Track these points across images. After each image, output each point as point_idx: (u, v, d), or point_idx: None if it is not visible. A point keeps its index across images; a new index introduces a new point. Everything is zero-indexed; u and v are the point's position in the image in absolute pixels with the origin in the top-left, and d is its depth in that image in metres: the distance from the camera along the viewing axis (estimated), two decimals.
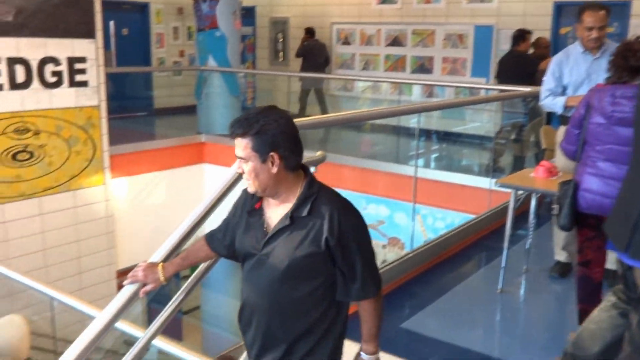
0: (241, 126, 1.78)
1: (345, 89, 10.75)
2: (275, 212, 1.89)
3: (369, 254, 1.88)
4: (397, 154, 7.90)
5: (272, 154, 1.77)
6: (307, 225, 1.82)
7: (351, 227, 1.82)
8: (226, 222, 2.09)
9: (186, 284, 2.45)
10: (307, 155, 2.84)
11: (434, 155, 7.95)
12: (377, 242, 6.94)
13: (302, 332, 1.89)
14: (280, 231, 1.85)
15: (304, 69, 10.00)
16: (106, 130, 6.78)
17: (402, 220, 6.84)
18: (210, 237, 2.14)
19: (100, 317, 2.18)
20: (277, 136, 1.77)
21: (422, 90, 9.56)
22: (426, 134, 7.80)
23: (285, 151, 1.79)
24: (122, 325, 2.85)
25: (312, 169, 2.67)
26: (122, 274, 7.36)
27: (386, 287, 3.85)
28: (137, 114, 10.08)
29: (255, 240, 1.91)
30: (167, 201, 7.72)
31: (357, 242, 1.83)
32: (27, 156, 6.21)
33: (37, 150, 6.27)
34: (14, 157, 6.11)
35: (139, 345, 2.42)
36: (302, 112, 9.41)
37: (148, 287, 2.09)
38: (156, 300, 3.42)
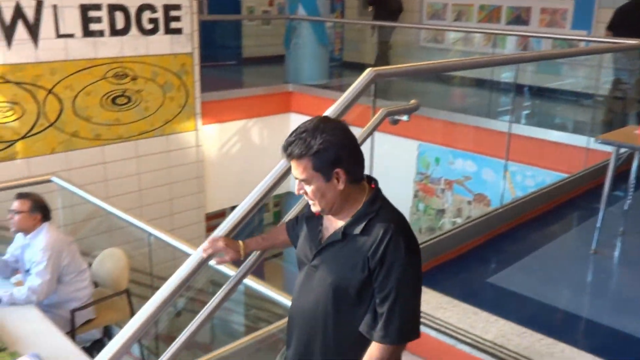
0: (297, 147, 1.63)
1: (435, 41, 10.45)
2: (333, 224, 1.76)
3: (408, 294, 1.63)
4: (488, 108, 7.66)
5: (336, 170, 1.63)
6: (358, 243, 1.66)
7: (397, 255, 1.60)
8: (296, 218, 2.02)
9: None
10: (401, 104, 2.82)
11: (525, 112, 7.65)
12: (462, 198, 6.82)
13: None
14: (330, 245, 1.71)
15: (375, 17, 9.74)
16: (198, 77, 6.96)
17: (489, 176, 6.68)
18: (288, 225, 2.07)
19: (195, 256, 2.29)
20: (338, 151, 1.62)
21: (517, 43, 9.14)
22: (519, 88, 7.50)
23: (349, 165, 1.64)
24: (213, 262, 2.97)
25: (404, 118, 2.65)
26: (211, 217, 7.67)
27: (471, 242, 3.81)
28: (227, 62, 10.25)
29: (309, 249, 1.79)
30: (254, 149, 7.90)
31: (398, 274, 1.60)
32: (125, 100, 6.50)
33: (134, 95, 6.54)
34: (113, 101, 6.41)
35: (232, 283, 2.54)
36: (379, 62, 9.20)
37: (226, 257, 2.07)
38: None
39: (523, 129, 6.41)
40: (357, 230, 1.66)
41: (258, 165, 7.47)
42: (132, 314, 3.94)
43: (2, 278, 3.65)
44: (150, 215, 6.67)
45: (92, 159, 6.33)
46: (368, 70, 2.53)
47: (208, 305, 2.45)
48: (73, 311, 3.61)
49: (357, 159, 1.68)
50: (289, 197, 8.51)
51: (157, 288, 2.21)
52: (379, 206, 1.68)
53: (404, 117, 2.64)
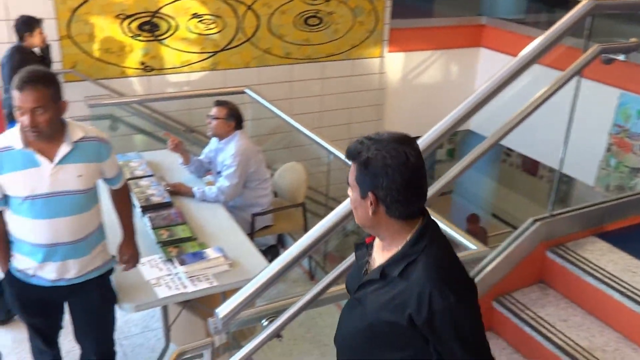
0: (354, 149, 1.50)
1: None
2: (380, 256, 1.61)
3: (473, 336, 1.49)
4: None
5: (370, 193, 1.48)
6: (397, 286, 1.50)
7: (445, 308, 1.43)
8: None
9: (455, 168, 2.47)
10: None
11: None
12: None
13: None
14: (370, 282, 1.59)
15: None
16: (390, 2, 6.85)
17: None
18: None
19: None
20: (380, 176, 1.44)
21: None
22: None
23: (386, 196, 1.46)
24: None
25: (621, 57, 2.38)
26: None
27: None
28: None
29: (356, 278, 1.68)
30: (438, 82, 7.68)
31: (454, 325, 1.45)
32: (317, 22, 6.61)
33: (325, 17, 6.63)
34: (305, 21, 6.56)
35: None
36: None
37: None
38: (430, 175, 3.50)
39: None
40: (396, 272, 1.50)
41: (440, 99, 7.29)
42: (305, 227, 4.17)
43: (196, 176, 4.00)
44: (328, 137, 6.88)
45: (280, 76, 6.61)
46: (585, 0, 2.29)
47: None
48: (254, 215, 3.88)
49: (402, 196, 1.46)
50: (466, 136, 8.24)
51: (330, 208, 2.28)
52: (422, 247, 1.49)
53: (621, 57, 2.37)
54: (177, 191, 3.68)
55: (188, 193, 3.68)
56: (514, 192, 8.99)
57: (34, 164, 2.34)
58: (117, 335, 3.53)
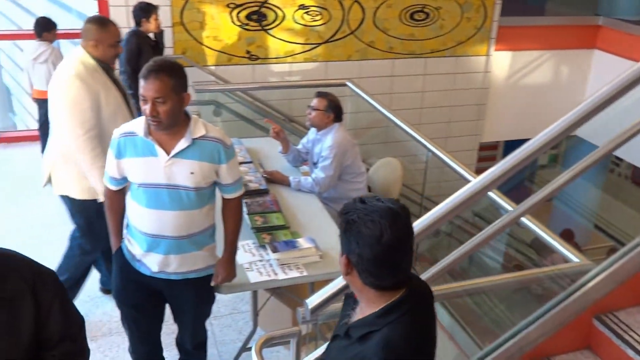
0: (347, 206, 1.50)
1: None
2: (358, 314, 1.59)
3: None
4: None
5: (344, 255, 1.50)
6: (355, 349, 1.51)
7: None
8: None
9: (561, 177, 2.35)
10: None
11: None
12: None
13: None
14: (337, 336, 1.63)
15: None
16: None
17: None
18: None
19: (479, 181, 2.23)
20: (353, 243, 1.45)
21: None
22: None
23: (357, 264, 1.47)
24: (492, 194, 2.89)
25: None
26: (484, 147, 7.49)
27: None
28: None
29: (339, 324, 1.68)
30: (546, 84, 7.35)
31: None
32: (423, 16, 6.50)
33: (432, 12, 6.50)
34: (411, 16, 6.46)
35: (510, 217, 2.45)
36: None
37: None
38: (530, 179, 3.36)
39: None
40: (358, 335, 1.52)
41: (547, 103, 6.98)
42: None
43: (293, 166, 4.05)
44: (426, 135, 6.76)
45: (382, 71, 6.56)
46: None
47: (475, 237, 2.41)
48: None
49: (374, 269, 1.46)
50: (572, 142, 7.83)
51: (425, 207, 2.23)
52: (389, 320, 1.48)
53: None
54: (274, 179, 3.75)
55: (284, 181, 3.73)
56: (622, 204, 8.47)
57: (152, 153, 2.37)
58: None
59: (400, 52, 6.58)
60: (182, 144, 2.36)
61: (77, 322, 1.78)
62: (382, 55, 6.54)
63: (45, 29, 5.40)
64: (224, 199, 2.62)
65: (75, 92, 3.00)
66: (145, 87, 2.26)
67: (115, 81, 3.24)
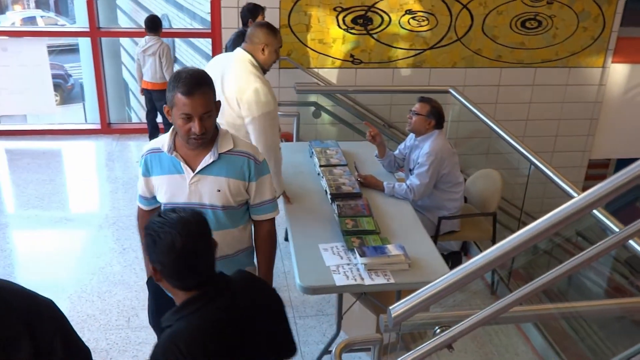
0: (146, 225, 1.71)
1: None
2: None
3: None
4: None
5: (152, 264, 1.70)
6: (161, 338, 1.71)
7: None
8: None
9: None
10: None
11: None
12: None
13: None
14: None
15: None
16: (622, 9, 6.22)
17: None
18: None
19: (584, 197, 2.09)
20: (153, 254, 1.67)
21: None
22: None
23: (162, 271, 1.69)
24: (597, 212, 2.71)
25: None
26: (593, 165, 7.06)
27: None
28: None
29: None
30: None
31: None
32: (535, 24, 6.24)
33: (545, 20, 6.23)
34: (523, 23, 6.22)
35: (616, 238, 2.28)
36: None
37: None
38: None
39: None
40: (165, 324, 1.71)
41: None
42: (494, 238, 3.97)
43: (387, 171, 4.01)
44: (531, 148, 6.48)
45: (487, 79, 6.37)
46: None
47: (576, 257, 2.26)
48: (441, 218, 3.79)
49: (174, 273, 1.67)
50: None
51: (524, 223, 2.12)
52: (177, 317, 1.68)
53: None
54: (368, 183, 3.72)
55: (378, 186, 3.69)
56: None
57: (178, 170, 2.24)
58: (293, 314, 3.70)
59: (508, 61, 6.36)
60: (208, 159, 2.21)
61: (82, 356, 1.64)
62: (489, 63, 6.34)
63: (152, 27, 5.71)
64: (254, 222, 2.41)
65: (265, 93, 3.09)
66: (190, 104, 2.07)
67: None
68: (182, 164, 2.23)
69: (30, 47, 5.73)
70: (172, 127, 2.25)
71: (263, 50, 3.16)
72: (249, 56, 3.18)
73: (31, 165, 5.58)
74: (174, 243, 1.62)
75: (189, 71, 2.13)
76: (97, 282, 3.87)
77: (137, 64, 5.87)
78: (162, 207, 2.28)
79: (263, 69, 3.22)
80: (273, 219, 2.42)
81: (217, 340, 1.66)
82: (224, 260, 2.27)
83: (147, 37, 5.71)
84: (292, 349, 1.90)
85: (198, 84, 2.09)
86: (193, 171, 2.23)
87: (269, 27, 3.25)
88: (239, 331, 1.71)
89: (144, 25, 5.76)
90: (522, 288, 2.16)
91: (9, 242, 4.35)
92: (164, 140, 2.27)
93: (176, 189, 2.25)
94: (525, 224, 2.03)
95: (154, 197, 2.37)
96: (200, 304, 1.67)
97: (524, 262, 4.29)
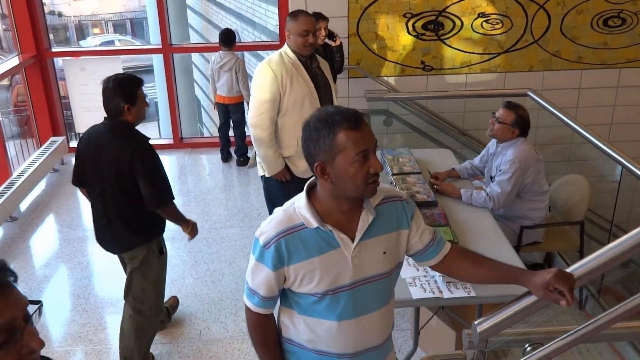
0: None
1: None
2: None
3: None
4: None
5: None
6: None
7: None
8: None
9: None
10: None
11: None
12: None
13: None
14: None
15: None
16: None
17: None
18: None
19: None
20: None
21: None
22: None
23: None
24: None
25: None
26: None
27: None
28: None
29: None
30: None
31: None
32: (619, 22, 5.89)
33: (630, 17, 5.87)
34: (605, 22, 5.88)
35: None
36: None
37: None
38: None
39: None
40: None
41: None
42: (581, 249, 3.70)
43: (464, 179, 3.82)
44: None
45: (567, 82, 6.05)
46: None
47: None
48: (523, 228, 3.56)
49: None
50: None
51: (615, 235, 1.91)
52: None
53: None
54: (444, 191, 3.55)
55: (455, 194, 3.51)
56: None
57: (332, 245, 1.72)
58: None
59: (590, 62, 6.01)
60: (366, 218, 1.74)
61: None
62: (568, 65, 6.02)
63: (227, 40, 5.74)
64: (445, 262, 1.91)
65: (262, 77, 3.37)
66: (362, 135, 1.64)
67: (313, 73, 3.48)
68: (337, 236, 1.72)
69: (107, 66, 5.91)
70: (300, 198, 1.76)
71: (289, 36, 3.38)
72: (284, 46, 3.45)
73: None
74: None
75: (332, 111, 1.66)
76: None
77: (212, 79, 5.93)
78: (317, 299, 1.75)
79: (299, 55, 3.41)
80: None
81: None
82: (387, 344, 1.91)
83: (221, 52, 5.75)
84: None
85: (356, 115, 1.66)
86: (352, 239, 1.73)
87: (291, 13, 3.47)
88: None
89: (217, 40, 5.81)
90: (618, 306, 1.95)
91: (86, 255, 4.44)
92: (297, 215, 1.73)
93: (336, 269, 1.72)
94: (615, 236, 1.84)
95: (280, 294, 1.83)
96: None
97: (616, 278, 3.99)
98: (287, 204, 1.78)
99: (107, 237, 3.08)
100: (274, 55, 3.46)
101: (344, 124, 1.62)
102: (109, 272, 4.23)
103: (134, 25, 26.72)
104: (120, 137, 2.85)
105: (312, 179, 1.79)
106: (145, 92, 2.95)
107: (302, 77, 3.40)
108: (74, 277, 4.16)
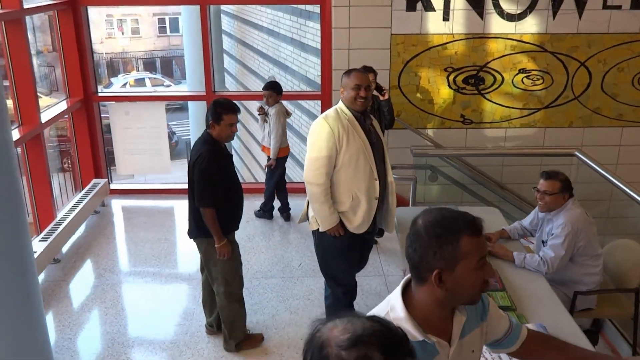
0: None
1: None
2: None
3: None
4: None
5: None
6: None
7: None
8: None
9: None
10: None
11: None
12: None
13: None
14: None
15: None
16: None
17: None
18: None
19: None
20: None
21: None
22: None
23: None
24: None
25: None
26: None
27: None
28: None
29: None
30: None
31: None
32: None
33: None
34: None
35: None
36: None
37: None
38: None
39: None
40: None
41: None
42: (636, 318, 3.62)
43: (514, 239, 3.79)
44: None
45: (607, 139, 6.04)
46: None
47: None
48: (577, 293, 3.51)
49: None
50: None
51: None
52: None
53: None
54: (495, 253, 3.52)
55: (507, 256, 3.48)
56: None
57: (432, 353, 1.62)
58: None
59: (630, 120, 6.01)
60: (460, 318, 1.67)
61: None
62: (608, 122, 6.02)
63: (276, 91, 5.65)
64: (524, 347, 1.87)
65: (319, 132, 3.43)
66: (483, 241, 1.59)
67: (367, 129, 3.51)
68: (437, 343, 1.62)
69: (150, 111, 6.00)
70: (396, 307, 1.63)
71: (343, 92, 3.48)
72: (339, 102, 3.51)
73: (147, 224, 5.77)
74: None
75: (452, 216, 1.59)
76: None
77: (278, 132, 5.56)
78: None
79: (353, 110, 3.45)
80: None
81: None
82: None
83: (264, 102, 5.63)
84: None
85: (477, 220, 1.59)
86: (449, 343, 1.65)
87: (346, 71, 3.55)
88: None
89: (253, 85, 5.80)
90: None
91: (126, 300, 4.45)
92: (402, 324, 1.56)
93: None
94: None
95: None
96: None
97: None
98: (379, 311, 1.64)
99: (189, 221, 3.68)
100: (330, 111, 3.52)
101: (468, 229, 1.55)
102: (146, 317, 4.25)
103: (163, 63, 27.30)
104: (200, 143, 3.54)
105: (405, 279, 1.68)
106: (235, 120, 3.52)
107: (357, 133, 3.43)
108: (117, 324, 4.16)
